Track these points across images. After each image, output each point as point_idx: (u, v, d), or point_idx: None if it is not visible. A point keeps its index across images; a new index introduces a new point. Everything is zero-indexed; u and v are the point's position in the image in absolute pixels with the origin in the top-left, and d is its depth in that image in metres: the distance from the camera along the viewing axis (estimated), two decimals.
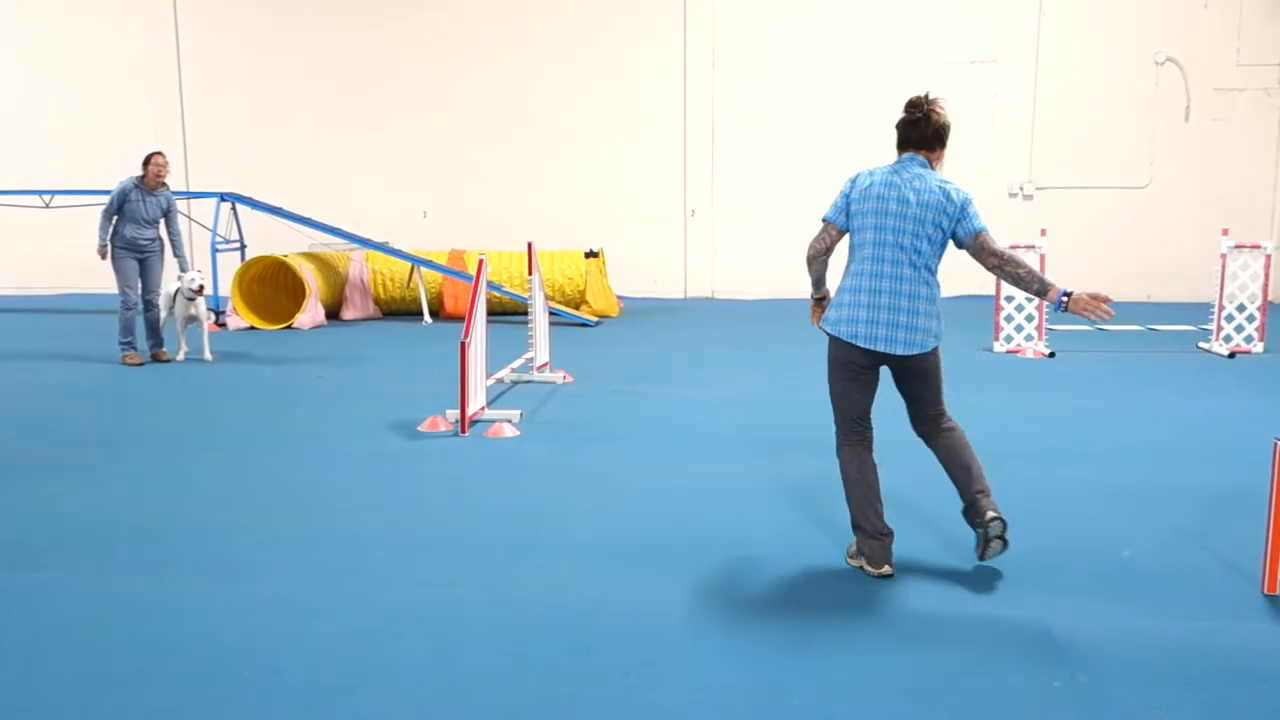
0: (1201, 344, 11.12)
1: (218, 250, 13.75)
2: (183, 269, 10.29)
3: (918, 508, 5.59)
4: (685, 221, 16.57)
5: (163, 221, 10.25)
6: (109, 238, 10.02)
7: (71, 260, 16.42)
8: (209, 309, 11.18)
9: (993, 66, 15.86)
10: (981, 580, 4.55)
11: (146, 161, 10.10)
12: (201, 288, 10.27)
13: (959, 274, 16.01)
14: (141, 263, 10.18)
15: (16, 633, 4.07)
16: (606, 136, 16.50)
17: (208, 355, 10.43)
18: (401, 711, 3.45)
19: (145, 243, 10.14)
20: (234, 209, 14.28)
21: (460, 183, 16.70)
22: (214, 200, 13.85)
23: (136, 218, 10.04)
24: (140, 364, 10.16)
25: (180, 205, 15.14)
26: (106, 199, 10.11)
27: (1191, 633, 4.01)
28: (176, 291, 10.33)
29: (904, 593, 4.42)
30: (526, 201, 16.49)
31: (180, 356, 10.43)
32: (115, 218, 10.02)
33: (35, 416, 8.05)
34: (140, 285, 10.21)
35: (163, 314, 10.60)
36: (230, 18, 16.87)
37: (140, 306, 10.28)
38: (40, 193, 14.66)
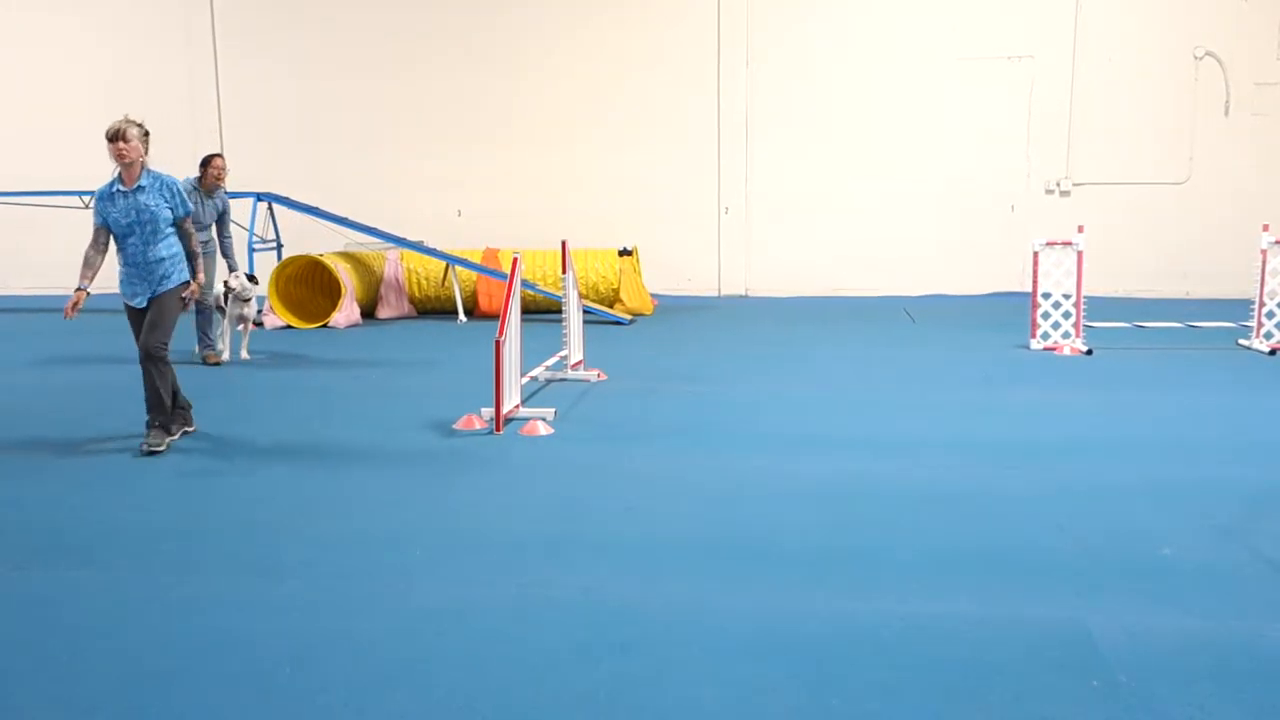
0: (1241, 341, 11.00)
1: (254, 250, 13.85)
2: (232, 270, 10.32)
3: (935, 510, 5.55)
4: (719, 219, 16.55)
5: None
6: None
7: (110, 261, 16.56)
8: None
9: (1029, 62, 15.73)
10: (1018, 578, 4.52)
11: (206, 164, 10.01)
12: (254, 278, 10.42)
13: (994, 272, 15.99)
14: None
15: (58, 630, 4.13)
16: (641, 135, 16.49)
17: (244, 354, 10.50)
18: (440, 709, 3.47)
19: (200, 245, 10.08)
20: (270, 209, 14.38)
21: (495, 181, 16.75)
22: (251, 200, 13.96)
23: (195, 220, 9.83)
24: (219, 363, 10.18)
25: None
26: None
27: (1232, 632, 3.98)
28: (228, 293, 10.30)
29: (940, 594, 4.40)
30: (561, 200, 16.52)
31: (225, 357, 10.42)
32: None
33: (72, 416, 8.15)
34: None
35: (212, 313, 10.56)
36: (266, 20, 17.00)
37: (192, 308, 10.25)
38: (79, 193, 14.82)
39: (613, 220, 16.25)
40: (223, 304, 10.40)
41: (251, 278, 10.45)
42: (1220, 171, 15.58)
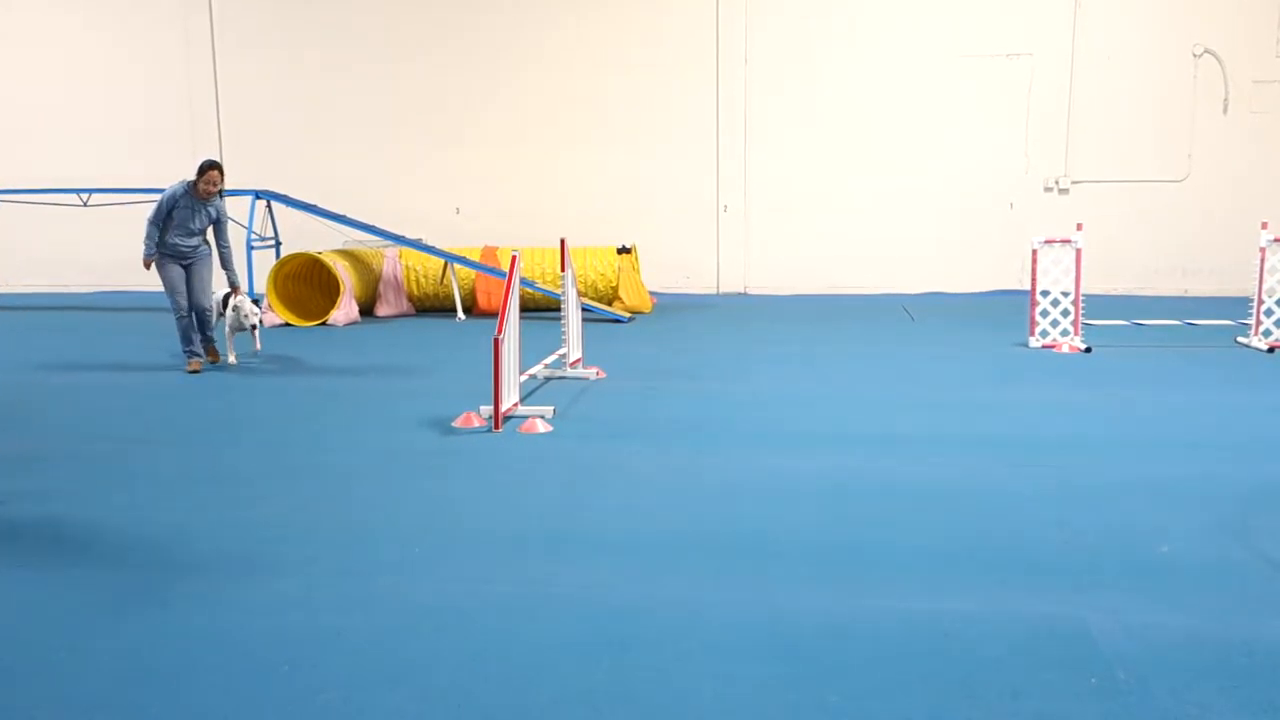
0: (1240, 339, 11.00)
1: (253, 248, 13.86)
2: (233, 284, 9.97)
3: (934, 507, 5.55)
4: (718, 217, 16.56)
5: (211, 231, 9.82)
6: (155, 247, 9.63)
7: (108, 259, 16.63)
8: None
9: (1028, 59, 15.74)
10: (1017, 575, 4.52)
11: (201, 172, 9.57)
12: (257, 302, 10.17)
13: (993, 270, 15.99)
14: (187, 268, 9.77)
15: (57, 629, 4.13)
16: (639, 132, 16.50)
17: (257, 345, 10.41)
18: (439, 706, 3.47)
19: (189, 249, 9.72)
20: (269, 206, 14.39)
21: (493, 179, 16.76)
22: (249, 198, 13.96)
23: (184, 225, 9.60)
24: (200, 371, 9.76)
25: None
26: (147, 198, 9.79)
27: (1230, 629, 3.98)
28: (232, 307, 10.00)
29: (939, 591, 4.40)
30: (560, 198, 16.53)
31: (232, 360, 10.11)
32: (162, 225, 9.58)
33: (73, 415, 8.15)
34: (188, 292, 9.78)
35: (213, 316, 10.15)
36: (265, 18, 16.99)
37: (192, 310, 9.84)
38: (78, 191, 14.83)
39: (611, 218, 16.25)
40: (222, 310, 10.18)
41: (255, 301, 10.24)
42: (1219, 169, 15.59)
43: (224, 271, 9.96)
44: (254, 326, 10.14)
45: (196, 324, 9.94)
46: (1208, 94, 15.57)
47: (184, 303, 9.78)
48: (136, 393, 8.93)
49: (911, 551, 4.83)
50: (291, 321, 13.09)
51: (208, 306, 9.96)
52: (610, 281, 14.01)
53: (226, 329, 10.17)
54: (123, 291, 16.78)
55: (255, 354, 10.36)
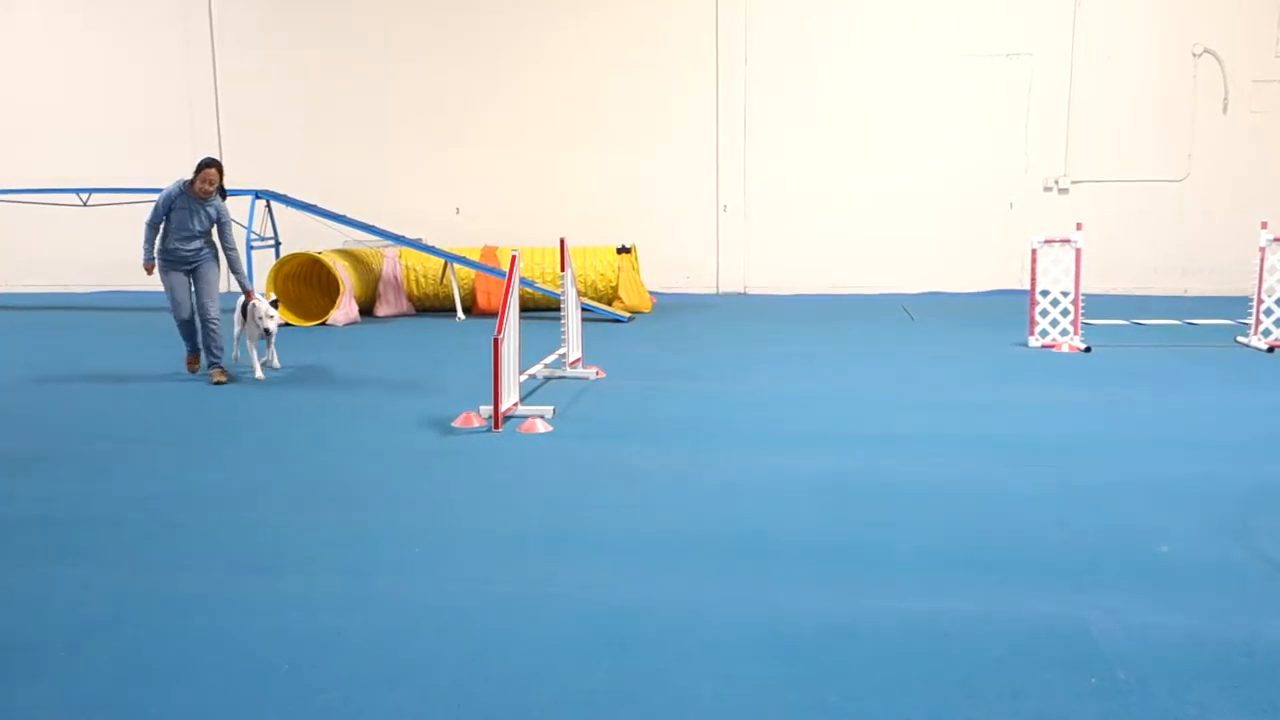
0: (1240, 338, 11.01)
1: (253, 248, 13.85)
2: (244, 289, 9.51)
3: (934, 507, 5.55)
4: (718, 217, 16.55)
5: (215, 234, 9.27)
6: (154, 251, 9.18)
7: (108, 259, 16.63)
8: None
9: (1028, 59, 15.73)
10: (1017, 575, 4.52)
11: (198, 170, 9.06)
12: (268, 331, 9.39)
13: (993, 269, 15.98)
14: (190, 273, 9.28)
15: (56, 627, 4.13)
16: (639, 132, 16.50)
17: (275, 364, 9.84)
18: (439, 706, 3.47)
19: (190, 254, 9.19)
20: (269, 206, 14.39)
21: (493, 179, 16.75)
22: (249, 198, 13.95)
23: (183, 227, 9.10)
24: (199, 370, 9.49)
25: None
26: (147, 198, 9.47)
27: (1230, 629, 3.98)
28: (249, 309, 9.44)
29: (939, 591, 4.40)
30: (559, 198, 16.52)
31: (259, 374, 9.45)
32: (160, 227, 9.16)
33: (73, 415, 8.15)
34: (194, 298, 9.30)
35: (235, 328, 9.84)
36: (265, 18, 16.99)
37: (197, 319, 9.32)
38: (78, 191, 14.82)
39: (611, 218, 16.25)
40: (244, 320, 9.62)
41: (274, 303, 9.64)
42: (1219, 169, 15.58)
43: (234, 275, 9.48)
44: (268, 331, 9.41)
45: (202, 338, 9.38)
46: (1208, 94, 15.56)
47: (185, 314, 9.33)
48: (137, 393, 8.93)
49: (911, 551, 4.83)
50: (291, 321, 13.08)
51: (214, 316, 9.29)
52: (610, 281, 14.01)
53: (248, 341, 9.62)
54: (123, 291, 16.78)
55: (256, 380, 9.51)
